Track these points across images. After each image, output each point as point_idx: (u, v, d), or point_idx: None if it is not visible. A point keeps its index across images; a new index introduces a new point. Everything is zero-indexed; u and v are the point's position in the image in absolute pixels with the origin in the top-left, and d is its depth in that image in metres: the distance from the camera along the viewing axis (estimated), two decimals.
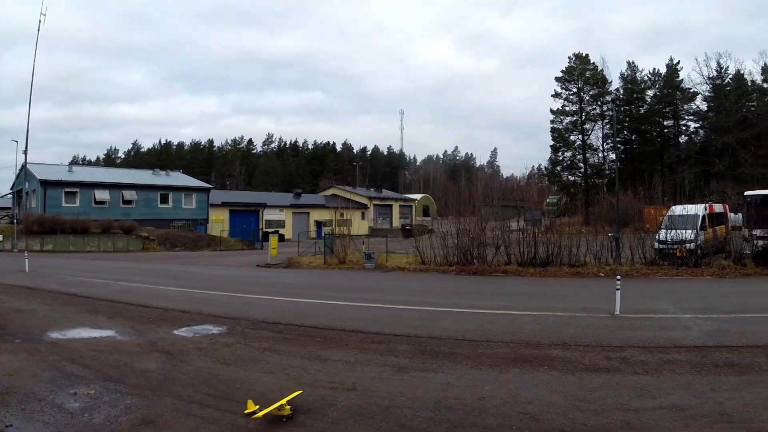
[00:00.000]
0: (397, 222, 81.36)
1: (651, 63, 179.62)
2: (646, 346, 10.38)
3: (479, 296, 18.55)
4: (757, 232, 24.55)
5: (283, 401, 6.47)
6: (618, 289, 13.78)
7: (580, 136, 77.92)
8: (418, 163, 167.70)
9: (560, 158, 79.80)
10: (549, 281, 22.66)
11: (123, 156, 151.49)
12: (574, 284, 21.74)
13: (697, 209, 28.76)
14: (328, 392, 7.50)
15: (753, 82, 76.63)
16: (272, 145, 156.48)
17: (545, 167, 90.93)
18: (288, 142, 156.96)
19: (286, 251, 37.33)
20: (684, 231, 25.58)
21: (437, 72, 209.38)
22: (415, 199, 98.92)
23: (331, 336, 11.46)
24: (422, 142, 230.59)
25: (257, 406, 6.27)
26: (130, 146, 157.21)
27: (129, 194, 59.48)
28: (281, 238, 52.01)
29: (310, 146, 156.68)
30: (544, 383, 8.08)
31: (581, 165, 78.20)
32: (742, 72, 77.05)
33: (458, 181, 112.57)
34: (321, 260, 32.09)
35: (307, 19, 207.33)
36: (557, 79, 79.02)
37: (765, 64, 74.37)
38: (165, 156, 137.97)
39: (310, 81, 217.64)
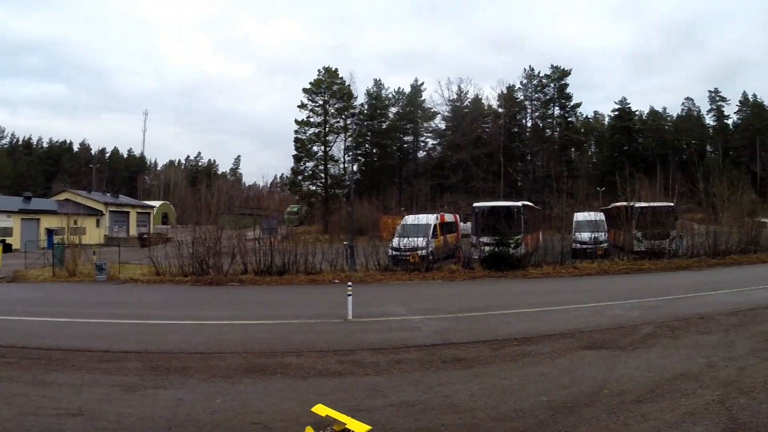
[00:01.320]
0: (134, 230, 76.72)
1: (397, 82, 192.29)
2: (377, 348, 10.83)
3: (213, 307, 18.10)
4: (484, 240, 27.01)
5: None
6: (350, 295, 14.26)
7: (322, 148, 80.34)
8: (159, 168, 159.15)
9: (302, 168, 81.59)
10: (285, 289, 22.79)
11: None
12: (310, 292, 22.05)
13: (429, 219, 30.91)
14: (53, 420, 6.99)
15: (489, 106, 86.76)
16: (3, 142, 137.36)
17: (287, 176, 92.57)
18: (21, 139, 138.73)
19: (12, 263, 33.01)
20: (417, 239, 27.32)
21: (187, 73, 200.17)
22: (154, 207, 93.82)
23: (57, 357, 10.59)
24: (165, 146, 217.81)
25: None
26: None
27: None
28: (8, 248, 46.00)
29: (45, 144, 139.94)
30: (278, 391, 8.15)
31: (322, 175, 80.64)
32: (480, 97, 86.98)
33: (199, 188, 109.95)
34: (50, 272, 28.83)
35: (57, 3, 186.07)
36: (305, 90, 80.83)
37: (501, 91, 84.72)
38: None
39: (53, 71, 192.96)
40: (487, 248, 25.98)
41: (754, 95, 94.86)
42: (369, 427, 6.54)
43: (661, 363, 9.09)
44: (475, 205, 31.16)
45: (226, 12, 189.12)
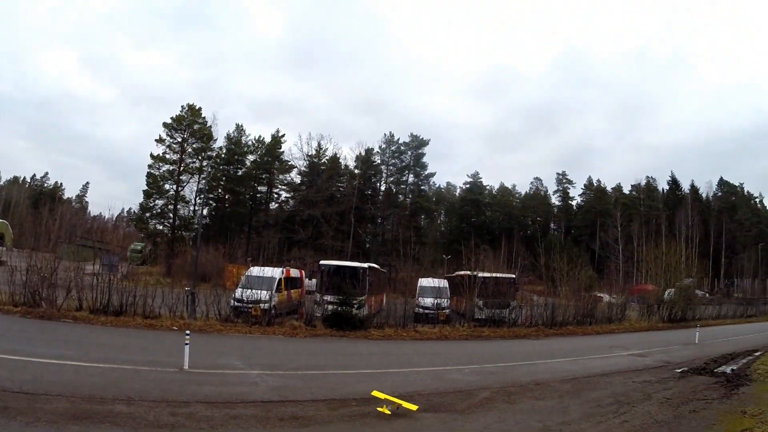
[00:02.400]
0: None
1: (259, 130, 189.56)
2: (213, 401, 10.54)
3: (43, 343, 16.90)
4: (328, 298, 27.15)
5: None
6: (187, 344, 13.82)
7: (175, 187, 77.95)
8: (1, 183, 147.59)
9: (151, 205, 78.61)
10: (121, 331, 21.62)
11: None
12: (146, 336, 21.07)
13: (275, 272, 30.69)
14: None
15: (346, 166, 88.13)
16: None
17: (135, 212, 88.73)
18: None
19: None
20: (260, 291, 26.95)
21: (49, 86, 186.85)
22: None
23: None
24: (12, 160, 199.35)
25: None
26: None
27: None
28: None
29: None
30: None
31: (171, 215, 78.13)
32: (338, 155, 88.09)
33: (41, 211, 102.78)
34: None
35: None
36: (165, 124, 78.17)
37: (360, 152, 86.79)
38: None
39: None
40: (330, 307, 26.09)
41: (598, 180, 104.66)
42: (417, 407, 8.94)
43: (498, 426, 9.45)
44: (322, 262, 31.62)
45: (99, 28, 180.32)
